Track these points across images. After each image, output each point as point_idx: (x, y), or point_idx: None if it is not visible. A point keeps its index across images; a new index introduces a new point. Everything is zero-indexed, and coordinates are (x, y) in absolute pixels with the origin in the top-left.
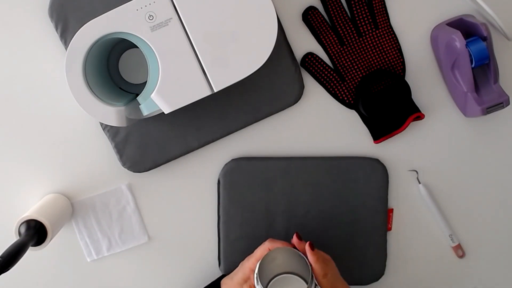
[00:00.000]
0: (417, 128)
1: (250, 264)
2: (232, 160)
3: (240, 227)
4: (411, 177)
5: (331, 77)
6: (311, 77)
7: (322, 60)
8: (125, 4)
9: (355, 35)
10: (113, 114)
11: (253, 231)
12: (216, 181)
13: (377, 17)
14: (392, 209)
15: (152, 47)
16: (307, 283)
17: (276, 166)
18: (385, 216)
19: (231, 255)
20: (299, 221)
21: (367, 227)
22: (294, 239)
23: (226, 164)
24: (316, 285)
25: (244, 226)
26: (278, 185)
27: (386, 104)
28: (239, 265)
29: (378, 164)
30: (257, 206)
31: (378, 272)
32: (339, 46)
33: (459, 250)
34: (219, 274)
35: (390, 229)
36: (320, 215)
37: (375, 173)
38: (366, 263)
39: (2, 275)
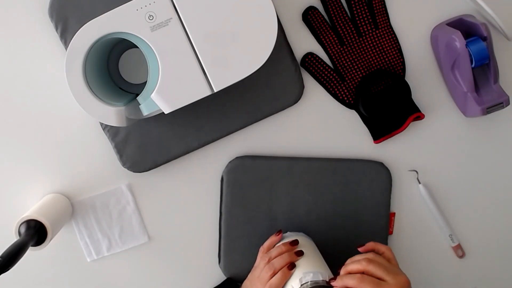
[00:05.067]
0: (417, 128)
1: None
2: (237, 158)
3: (241, 225)
4: (411, 178)
5: (331, 77)
6: (311, 77)
7: (322, 60)
8: (125, 4)
9: (355, 35)
10: (113, 114)
11: (255, 230)
12: (216, 181)
13: (377, 17)
14: (394, 213)
15: (152, 47)
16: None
17: (280, 166)
18: (387, 219)
19: (232, 252)
20: (300, 221)
21: (368, 230)
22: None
23: (230, 162)
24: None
25: (245, 224)
26: (281, 185)
27: (386, 104)
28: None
29: (382, 167)
30: (259, 205)
31: None
32: (339, 46)
33: (459, 250)
34: (219, 272)
35: (391, 232)
36: (322, 216)
37: (379, 176)
38: None
39: (2, 275)
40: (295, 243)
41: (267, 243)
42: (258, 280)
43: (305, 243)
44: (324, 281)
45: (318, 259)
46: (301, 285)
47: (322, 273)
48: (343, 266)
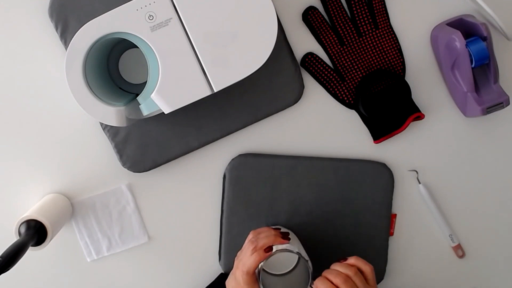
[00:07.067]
0: (417, 128)
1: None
2: (239, 155)
3: (243, 223)
4: (411, 178)
5: (331, 77)
6: (311, 77)
7: (322, 60)
8: (125, 4)
9: (355, 35)
10: (113, 114)
11: (256, 227)
12: (215, 181)
13: (377, 17)
14: (396, 215)
15: (152, 47)
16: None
17: (282, 164)
18: (388, 221)
19: (232, 250)
20: (302, 220)
21: (369, 231)
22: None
23: (233, 159)
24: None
25: (247, 222)
26: (283, 183)
27: (386, 104)
28: (235, 265)
29: (384, 168)
30: (261, 203)
31: (377, 276)
32: (339, 46)
33: (459, 250)
34: (220, 270)
35: (392, 234)
36: (323, 215)
37: (381, 177)
38: None
39: (2, 275)
40: (286, 233)
41: (260, 228)
42: (241, 255)
43: (294, 237)
44: (298, 253)
45: (301, 249)
46: (276, 250)
47: (299, 248)
48: (326, 270)
